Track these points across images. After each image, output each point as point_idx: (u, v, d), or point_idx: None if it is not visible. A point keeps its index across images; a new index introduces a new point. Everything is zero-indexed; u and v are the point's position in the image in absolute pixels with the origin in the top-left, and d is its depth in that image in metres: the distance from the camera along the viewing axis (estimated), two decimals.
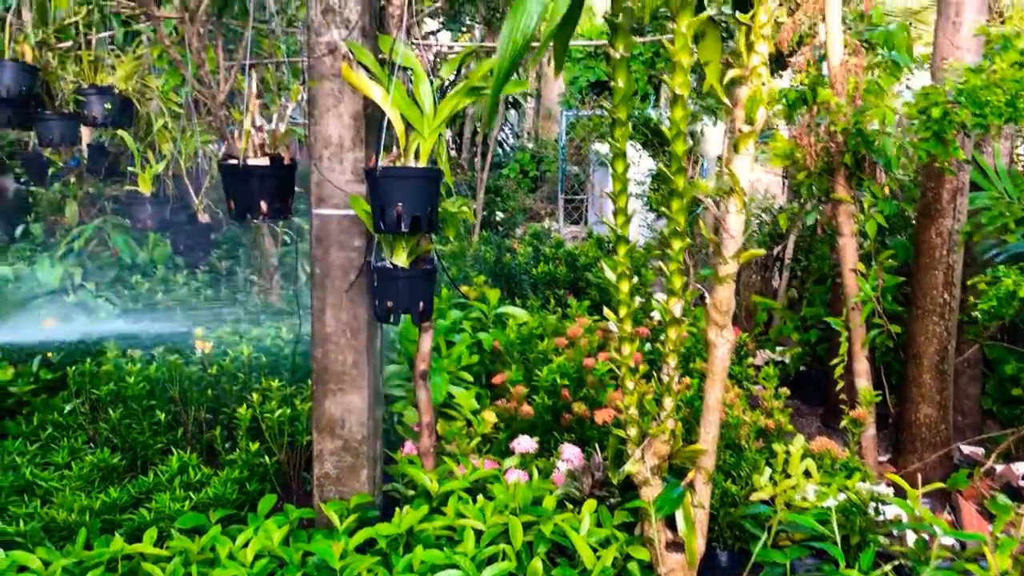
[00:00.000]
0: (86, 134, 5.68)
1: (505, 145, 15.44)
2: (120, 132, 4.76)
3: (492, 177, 12.43)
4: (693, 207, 3.34)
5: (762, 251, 3.37)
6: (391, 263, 3.41)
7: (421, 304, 3.42)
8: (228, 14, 4.93)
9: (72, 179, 5.80)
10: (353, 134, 3.47)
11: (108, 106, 4.81)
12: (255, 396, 3.88)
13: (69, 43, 4.97)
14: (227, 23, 4.99)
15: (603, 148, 10.07)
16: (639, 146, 7.82)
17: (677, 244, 3.12)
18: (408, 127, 3.31)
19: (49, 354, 4.33)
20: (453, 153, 13.05)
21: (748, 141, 3.05)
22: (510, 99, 13.81)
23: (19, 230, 5.88)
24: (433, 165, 3.33)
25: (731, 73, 3.04)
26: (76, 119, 4.89)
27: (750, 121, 3.02)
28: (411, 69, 3.32)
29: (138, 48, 5.10)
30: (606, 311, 3.33)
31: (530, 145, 15.51)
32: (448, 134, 14.61)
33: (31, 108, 4.83)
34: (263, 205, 3.09)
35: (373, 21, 3.46)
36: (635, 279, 3.32)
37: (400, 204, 3.17)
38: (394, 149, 3.31)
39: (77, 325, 4.47)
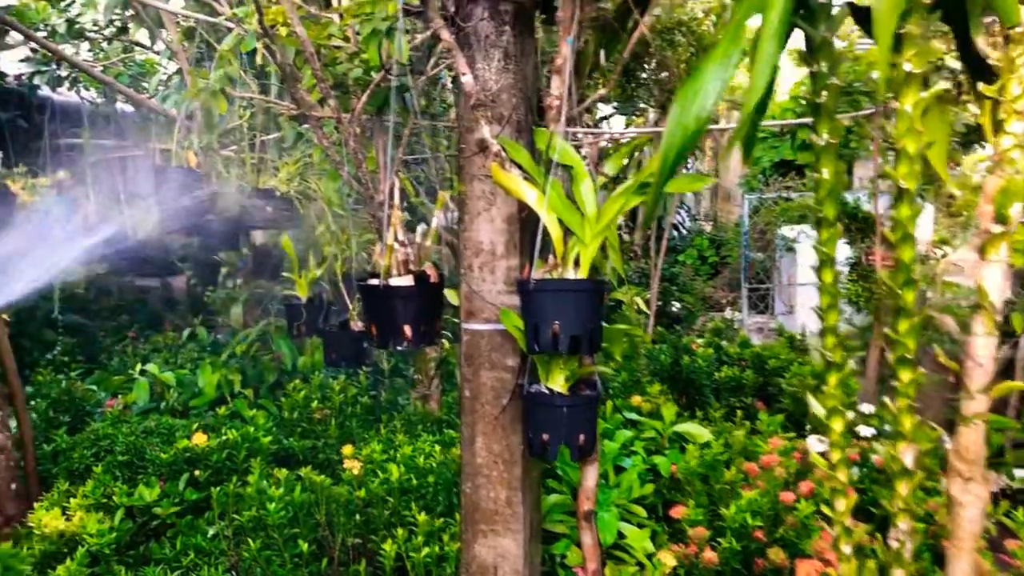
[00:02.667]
0: (259, 236, 5.65)
1: (681, 228, 14.81)
2: (281, 237, 4.60)
3: (667, 263, 11.82)
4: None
5: (1022, 384, 2.62)
6: (546, 388, 2.92)
7: (581, 437, 2.90)
8: (388, 111, 4.72)
9: (239, 281, 5.75)
10: (506, 240, 3.05)
11: (269, 209, 4.68)
12: (400, 532, 3.45)
13: (233, 147, 4.92)
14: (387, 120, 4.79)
15: (790, 232, 9.29)
16: None
17: (907, 376, 2.45)
18: (567, 232, 2.85)
19: (197, 472, 4.12)
20: (625, 237, 12.60)
21: (999, 244, 2.37)
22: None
23: (186, 333, 5.89)
24: (596, 275, 2.85)
25: (971, 160, 2.39)
26: (238, 222, 4.79)
27: (1002, 219, 2.34)
28: (572, 166, 2.88)
29: (301, 150, 4.99)
30: (812, 455, 2.68)
31: (708, 228, 14.80)
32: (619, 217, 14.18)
33: (196, 213, 4.78)
34: (407, 330, 2.70)
35: (530, 114, 3.06)
36: (850, 414, 2.65)
37: (556, 322, 2.69)
38: (550, 257, 2.85)
39: (228, 439, 4.26)
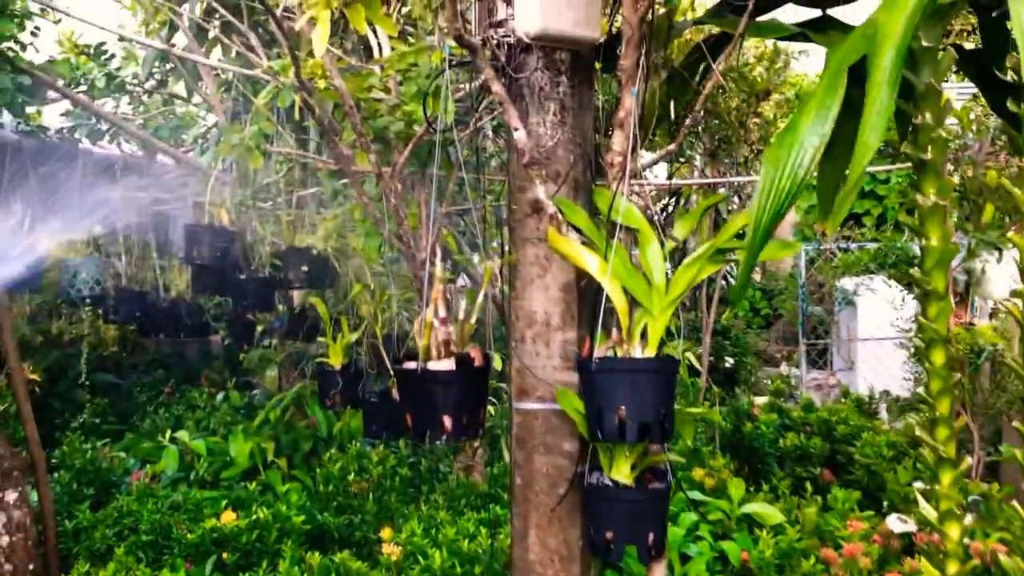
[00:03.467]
0: (295, 295, 5.41)
1: (731, 278, 14.38)
2: (313, 298, 4.34)
3: (718, 315, 11.38)
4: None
5: None
6: (609, 479, 2.58)
7: (651, 535, 2.56)
8: (431, 166, 4.47)
9: (274, 342, 5.50)
10: (563, 310, 2.74)
11: (305, 268, 4.44)
12: None
13: (269, 203, 4.69)
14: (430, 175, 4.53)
15: (850, 285, 8.86)
16: (900, 286, 6.63)
17: None
18: (633, 302, 2.53)
19: (225, 554, 3.81)
20: None
21: None
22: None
23: (219, 396, 5.64)
24: (665, 354, 2.52)
25: None
26: (273, 282, 4.55)
27: None
28: (637, 229, 2.57)
29: (340, 205, 4.75)
30: (924, 567, 2.29)
31: (757, 277, 14.34)
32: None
33: (228, 272, 4.55)
34: (446, 421, 2.38)
35: (588, 171, 2.77)
36: (968, 518, 2.28)
37: (623, 407, 2.37)
38: (614, 331, 2.54)
39: (259, 516, 3.95)
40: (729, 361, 9.34)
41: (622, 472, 2.60)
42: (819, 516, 4.30)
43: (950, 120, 6.42)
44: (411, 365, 2.41)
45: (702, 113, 8.58)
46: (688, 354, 7.43)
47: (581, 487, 2.68)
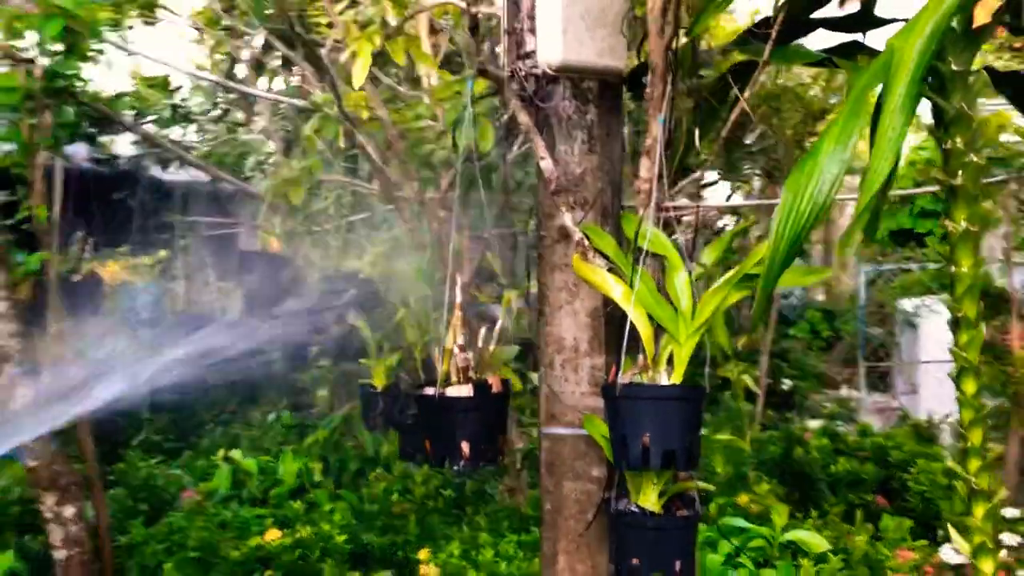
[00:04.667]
0: (344, 317, 5.52)
1: (792, 298, 14.16)
2: (358, 321, 4.42)
3: (777, 337, 11.20)
4: None
5: None
6: (636, 505, 2.57)
7: (678, 564, 2.53)
8: (473, 191, 4.53)
9: (326, 363, 5.62)
10: (591, 336, 2.76)
11: (352, 292, 4.53)
12: None
13: (319, 229, 4.81)
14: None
15: (910, 306, 8.64)
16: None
17: None
18: (658, 329, 2.53)
19: (268, 572, 3.89)
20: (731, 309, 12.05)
21: None
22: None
23: (271, 416, 5.77)
24: (692, 381, 2.51)
25: None
26: (321, 305, 4.65)
27: None
28: (664, 255, 2.57)
29: (387, 230, 4.85)
30: None
31: (820, 298, 14.07)
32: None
33: (279, 295, 4.67)
34: (464, 447, 2.41)
35: (617, 198, 2.79)
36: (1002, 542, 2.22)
37: (647, 434, 2.37)
38: (640, 357, 2.54)
39: (302, 535, 4.03)
40: (786, 384, 9.18)
41: (649, 499, 2.59)
42: (869, 544, 4.20)
43: (1011, 137, 6.26)
44: (429, 391, 2.45)
45: (757, 133, 8.51)
46: (745, 376, 7.32)
47: (608, 513, 2.67)
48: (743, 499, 4.42)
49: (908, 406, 8.51)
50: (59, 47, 3.87)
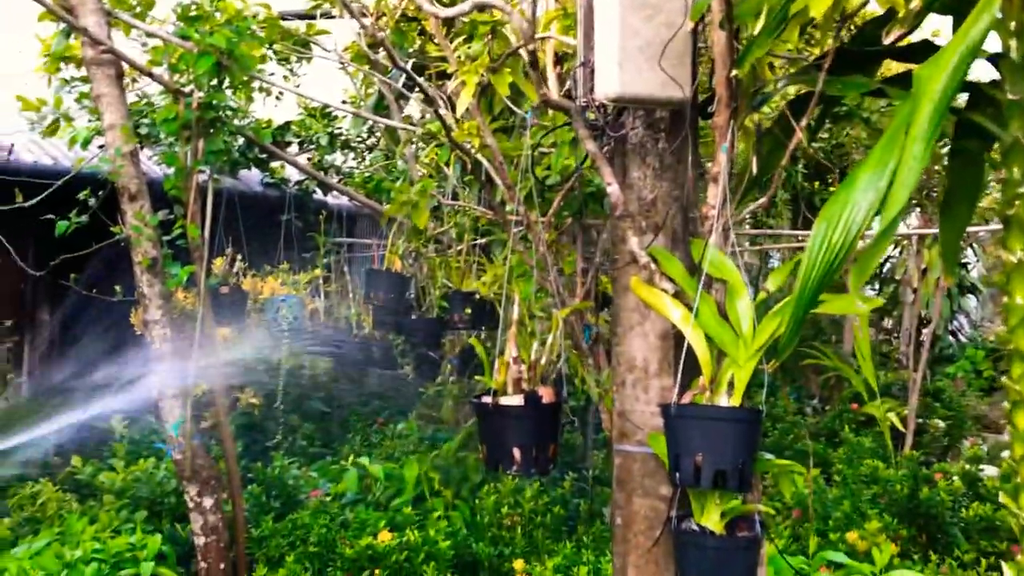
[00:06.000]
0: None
1: (960, 335, 13.31)
2: (472, 340, 4.66)
3: (935, 375, 10.59)
4: None
5: None
6: (698, 525, 2.63)
7: None
8: (583, 215, 4.68)
9: (452, 378, 5.89)
10: (660, 357, 2.85)
11: (468, 311, 4.78)
12: None
13: (442, 251, 5.10)
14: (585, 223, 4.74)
15: None
16: None
17: None
18: (720, 353, 2.60)
19: (377, 571, 4.16)
20: (884, 343, 11.51)
21: None
22: (967, 284, 11.91)
23: (400, 426, 6.09)
24: (751, 404, 2.56)
25: None
26: (438, 322, 4.92)
27: None
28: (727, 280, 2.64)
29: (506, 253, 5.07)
30: None
31: (991, 337, 13.15)
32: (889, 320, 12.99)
33: (401, 312, 4.98)
34: (515, 453, 2.56)
35: (688, 223, 2.87)
36: None
37: (700, 454, 2.44)
38: (701, 379, 2.61)
39: (410, 539, 4.28)
40: (940, 424, 8.68)
41: (711, 519, 2.64)
42: None
43: None
44: (486, 399, 2.62)
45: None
46: (891, 414, 7.02)
47: (671, 532, 2.74)
48: (852, 536, 4.29)
49: None
50: (213, 81, 4.34)
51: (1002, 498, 2.18)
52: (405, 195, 4.30)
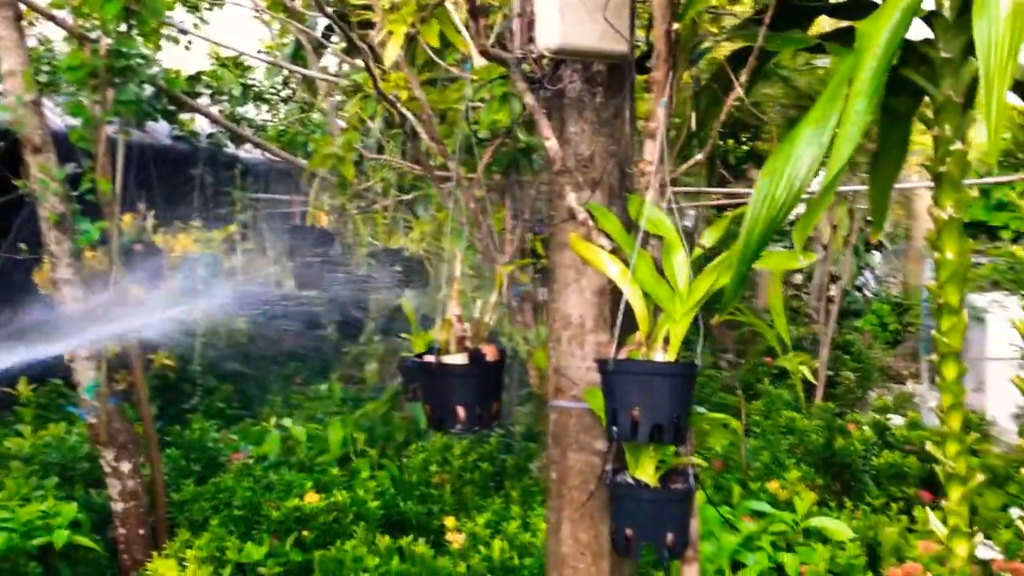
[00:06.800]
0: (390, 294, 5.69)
1: (866, 291, 13.81)
2: (401, 300, 4.60)
3: (846, 329, 10.99)
4: None
5: None
6: (632, 478, 2.66)
7: (670, 536, 2.61)
8: (513, 172, 4.63)
9: (376, 338, 5.82)
10: (596, 313, 2.85)
11: (398, 268, 4.70)
12: None
13: (366, 207, 4.99)
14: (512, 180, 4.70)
15: (980, 300, 8.39)
16: None
17: None
18: (656, 308, 2.60)
19: (305, 532, 4.11)
20: (795, 298, 11.87)
21: None
22: (873, 241, 12.34)
23: (323, 387, 6.01)
24: (686, 358, 2.58)
25: None
26: (367, 280, 4.83)
27: None
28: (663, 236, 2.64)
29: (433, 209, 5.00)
30: None
31: (896, 291, 13.70)
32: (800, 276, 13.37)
33: (327, 270, 4.87)
34: (459, 411, 2.54)
35: (625, 179, 2.86)
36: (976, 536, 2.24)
37: (636, 408, 2.45)
38: (638, 334, 2.61)
39: (338, 499, 4.23)
40: (849, 376, 9.03)
41: (646, 472, 2.66)
42: (901, 536, 4.18)
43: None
44: (429, 358, 2.58)
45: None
46: (803, 367, 7.25)
47: (607, 486, 2.76)
48: (773, 485, 4.43)
49: (974, 403, 8.27)
50: (122, 27, 4.11)
51: (929, 447, 2.26)
52: (329, 148, 4.18)
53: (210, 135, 8.01)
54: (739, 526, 3.82)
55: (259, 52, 7.75)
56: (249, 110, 8.52)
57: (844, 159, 1.79)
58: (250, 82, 7.98)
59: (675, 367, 2.50)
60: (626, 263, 2.61)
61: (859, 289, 13.59)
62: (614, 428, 2.50)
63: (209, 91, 7.80)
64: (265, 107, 8.95)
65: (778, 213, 1.97)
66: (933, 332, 2.20)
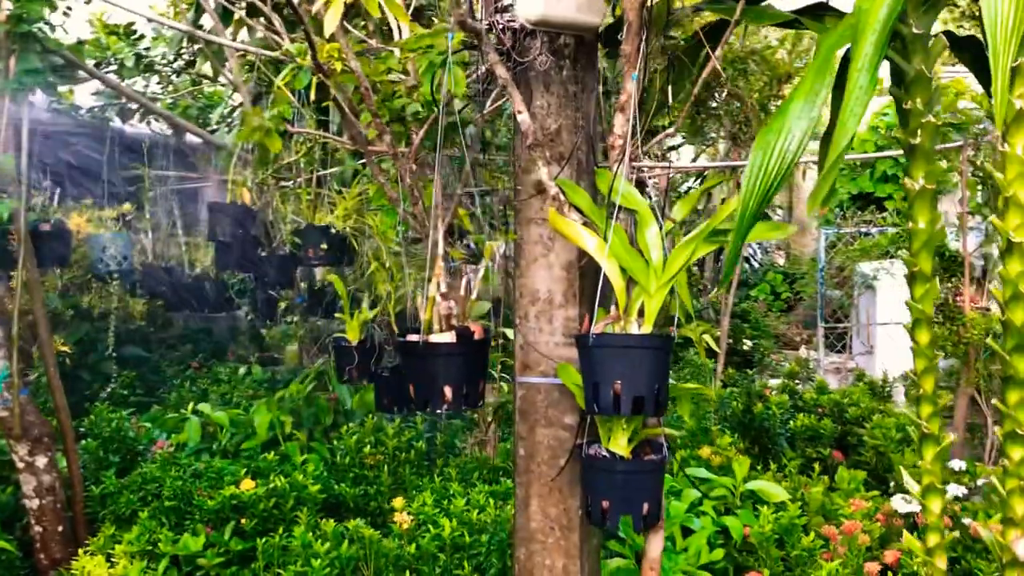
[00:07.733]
0: (315, 272, 5.53)
1: (753, 261, 14.37)
2: (331, 276, 4.46)
3: (738, 298, 11.42)
4: None
5: None
6: (606, 450, 2.68)
7: (645, 506, 2.65)
8: (446, 146, 4.54)
9: (296, 318, 5.64)
10: (565, 288, 2.84)
11: (324, 246, 4.55)
12: None
13: (290, 182, 4.81)
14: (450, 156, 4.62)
15: (869, 269, 8.86)
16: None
17: (1018, 453, 2.14)
18: (630, 281, 2.62)
19: (243, 520, 3.96)
20: (695, 271, 12.22)
21: None
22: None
23: (242, 370, 5.80)
24: (662, 330, 2.61)
25: None
26: (292, 259, 4.67)
27: None
28: (636, 210, 2.65)
29: (360, 185, 4.86)
30: (906, 538, 2.38)
31: (781, 261, 14.31)
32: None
33: (249, 249, 4.68)
34: (447, 391, 2.49)
35: (592, 153, 2.85)
36: (948, 493, 2.36)
37: (618, 381, 2.46)
38: (612, 309, 2.63)
39: (277, 485, 4.10)
40: (747, 344, 9.39)
41: (619, 444, 2.69)
42: (825, 495, 4.37)
43: (968, 104, 6.41)
44: (414, 338, 2.52)
45: (724, 95, 8.59)
46: (706, 336, 7.49)
47: (580, 459, 2.78)
48: (705, 452, 4.57)
49: (864, 366, 8.76)
50: None
51: (905, 408, 2.36)
52: (258, 120, 3.99)
53: (90, 109, 7.55)
54: (683, 494, 3.92)
55: (151, 20, 7.31)
56: (138, 82, 8.07)
57: (851, 132, 1.83)
58: (142, 51, 7.55)
59: (654, 339, 2.53)
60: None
61: (747, 260, 14.12)
62: (595, 402, 2.51)
63: (94, 61, 7.33)
64: (155, 79, 8.49)
65: (772, 184, 2.01)
66: (907, 300, 2.29)
